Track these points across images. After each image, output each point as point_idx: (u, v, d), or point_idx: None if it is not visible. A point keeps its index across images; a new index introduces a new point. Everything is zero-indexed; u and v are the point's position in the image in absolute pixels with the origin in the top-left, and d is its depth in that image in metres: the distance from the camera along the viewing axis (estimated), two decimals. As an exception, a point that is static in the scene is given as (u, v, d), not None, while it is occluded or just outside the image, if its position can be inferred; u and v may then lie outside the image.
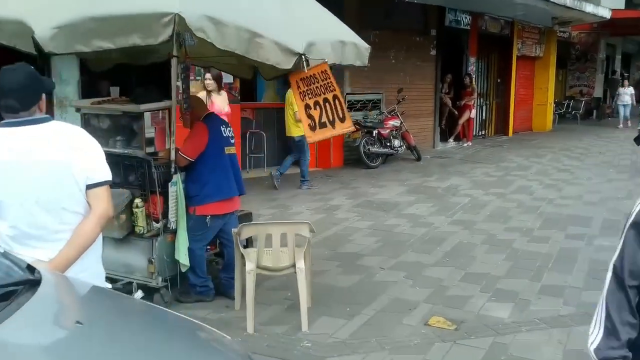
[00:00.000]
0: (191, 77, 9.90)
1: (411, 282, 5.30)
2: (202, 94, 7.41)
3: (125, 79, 7.56)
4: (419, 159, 12.45)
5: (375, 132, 11.40)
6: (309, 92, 4.18)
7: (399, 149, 11.94)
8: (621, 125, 20.28)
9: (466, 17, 14.70)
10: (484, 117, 17.36)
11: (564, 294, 5.09)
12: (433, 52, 14.05)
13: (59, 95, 7.84)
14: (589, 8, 16.64)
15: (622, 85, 21.36)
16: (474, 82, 15.38)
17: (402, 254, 6.11)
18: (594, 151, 14.55)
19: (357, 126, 11.21)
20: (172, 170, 4.38)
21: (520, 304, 4.84)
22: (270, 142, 11.26)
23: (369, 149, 11.33)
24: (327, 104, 4.22)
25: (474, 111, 15.55)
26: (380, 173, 10.95)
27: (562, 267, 5.76)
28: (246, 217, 5.54)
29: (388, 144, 11.73)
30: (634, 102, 21.22)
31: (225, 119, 7.38)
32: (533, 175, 11.03)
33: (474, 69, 15.71)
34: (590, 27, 22.34)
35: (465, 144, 15.27)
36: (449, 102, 15.18)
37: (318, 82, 4.19)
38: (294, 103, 9.40)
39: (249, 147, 11.03)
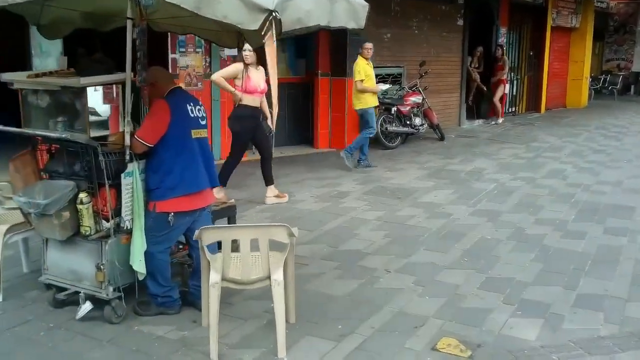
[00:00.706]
0: (190, 49, 9.17)
1: (421, 289, 4.47)
2: (238, 67, 6.60)
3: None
4: (442, 138, 11.51)
5: (394, 109, 10.48)
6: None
7: (420, 127, 11.00)
8: None
9: (497, -16, 13.58)
10: (514, 93, 16.19)
11: (604, 307, 4.21)
12: (460, 22, 12.99)
13: (39, 68, 7.10)
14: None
15: None
16: (505, 55, 14.27)
17: (414, 252, 5.27)
18: (634, 130, 13.40)
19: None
20: (127, 158, 3.60)
21: (552, 321, 3.98)
22: (280, 123, 10.42)
23: (386, 128, 10.42)
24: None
25: (507, 86, 14.50)
26: (399, 154, 10.06)
27: (601, 271, 4.87)
28: (228, 211, 4.76)
29: (408, 122, 10.81)
30: None
31: (262, 97, 6.71)
32: (567, 157, 10.02)
33: (505, 40, 14.58)
34: (631, -5, 20.89)
35: (494, 122, 14.23)
36: (478, 77, 14.12)
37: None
38: (361, 71, 8.72)
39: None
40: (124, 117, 3.59)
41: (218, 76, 6.67)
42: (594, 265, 5.00)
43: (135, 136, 3.61)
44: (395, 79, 11.60)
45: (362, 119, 8.91)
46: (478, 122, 14.08)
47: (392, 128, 10.49)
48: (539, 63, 16.50)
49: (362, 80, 8.63)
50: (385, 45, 11.19)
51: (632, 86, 22.59)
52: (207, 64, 9.05)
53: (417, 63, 11.36)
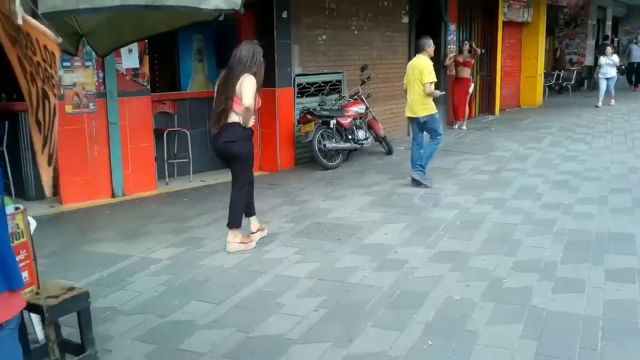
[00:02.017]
0: (77, 63, 7.41)
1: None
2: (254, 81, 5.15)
3: None
4: (390, 152, 10.07)
5: (333, 122, 8.96)
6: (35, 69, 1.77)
7: (364, 142, 9.52)
8: (600, 104, 16.27)
9: (442, -24, 12.25)
10: (467, 94, 14.97)
11: None
12: (405, 20, 11.59)
13: None
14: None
15: (605, 54, 16.70)
16: (477, 48, 13.36)
17: (357, 334, 3.71)
18: (600, 130, 12.26)
19: (310, 116, 8.80)
20: None
21: None
22: (198, 142, 8.79)
23: (325, 145, 8.90)
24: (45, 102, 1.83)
25: (472, 86, 13.26)
26: (340, 176, 8.54)
27: (620, 351, 3.42)
28: (74, 303, 3.11)
29: (350, 137, 9.32)
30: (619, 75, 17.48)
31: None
32: (535, 168, 8.69)
33: (454, 38, 13.28)
34: (579, -13, 20.04)
35: (457, 128, 12.93)
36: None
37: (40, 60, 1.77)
38: (423, 72, 7.23)
39: (170, 151, 8.56)
40: None
41: (253, 102, 5.00)
42: (609, 339, 3.55)
43: None
44: (333, 87, 10.10)
45: (428, 126, 7.63)
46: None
47: (332, 145, 8.96)
48: (491, 61, 15.31)
49: (432, 83, 7.34)
50: (321, 48, 9.68)
51: (586, 81, 21.77)
52: (100, 80, 7.34)
53: (358, 68, 9.91)
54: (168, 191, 8.04)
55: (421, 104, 7.47)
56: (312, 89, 9.64)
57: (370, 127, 9.93)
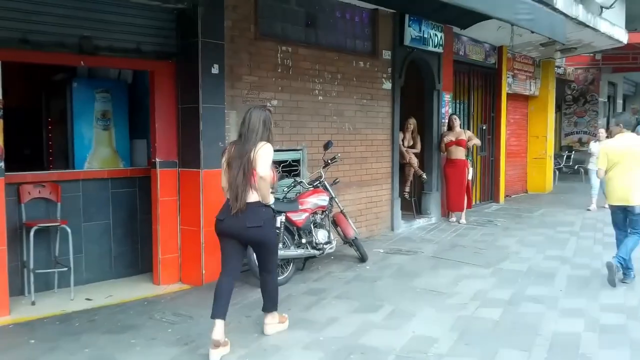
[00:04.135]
0: None
1: None
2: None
3: None
4: (363, 259, 7.41)
5: (281, 219, 6.34)
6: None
7: (325, 246, 6.86)
8: (594, 206, 11.62)
9: (437, 34, 9.93)
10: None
11: None
12: (387, 85, 9.18)
13: None
14: (604, 26, 12.10)
15: (598, 139, 11.93)
16: (472, 139, 10.49)
17: None
18: None
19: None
20: None
21: None
22: (93, 240, 6.23)
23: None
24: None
25: (471, 170, 10.64)
26: (285, 299, 5.77)
27: None
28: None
29: (306, 240, 6.68)
30: None
31: None
32: (568, 295, 6.00)
33: (449, 110, 10.87)
34: (589, 59, 17.95)
35: (455, 220, 10.33)
36: (414, 160, 10.24)
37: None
38: None
39: (46, 254, 5.96)
40: None
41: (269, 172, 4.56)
42: None
43: None
44: (289, 169, 7.55)
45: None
46: (419, 223, 10.08)
47: (279, 252, 6.31)
48: (494, 139, 12.87)
49: None
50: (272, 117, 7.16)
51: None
52: None
53: (322, 144, 7.41)
54: (28, 318, 5.38)
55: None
56: (257, 171, 7.05)
57: (336, 225, 7.32)
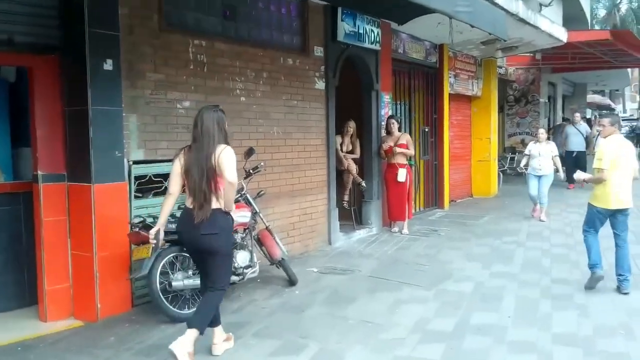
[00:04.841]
0: None
1: None
2: None
3: None
4: (292, 282, 6.54)
5: (190, 241, 5.39)
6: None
7: (246, 271, 5.95)
8: (543, 215, 10.63)
9: (374, 30, 9.15)
10: (407, 184, 11.66)
11: None
12: (320, 85, 8.35)
13: None
14: (545, 24, 11.62)
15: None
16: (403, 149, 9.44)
17: None
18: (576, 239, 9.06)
19: (147, 232, 5.15)
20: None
21: None
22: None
23: (170, 282, 5.31)
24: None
25: (410, 176, 9.80)
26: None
27: None
28: None
29: (221, 264, 5.75)
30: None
31: None
32: (517, 325, 5.28)
33: (389, 111, 10.13)
34: (530, 59, 17.61)
35: (397, 231, 9.57)
36: (353, 167, 9.44)
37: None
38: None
39: None
40: None
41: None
42: None
43: None
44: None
45: (626, 220, 6.23)
46: (359, 234, 9.28)
47: (183, 282, 5.38)
48: (437, 142, 12.23)
49: None
50: (181, 121, 6.22)
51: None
52: None
53: (242, 153, 6.50)
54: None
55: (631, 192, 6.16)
56: (166, 184, 6.07)
57: (261, 244, 6.43)
